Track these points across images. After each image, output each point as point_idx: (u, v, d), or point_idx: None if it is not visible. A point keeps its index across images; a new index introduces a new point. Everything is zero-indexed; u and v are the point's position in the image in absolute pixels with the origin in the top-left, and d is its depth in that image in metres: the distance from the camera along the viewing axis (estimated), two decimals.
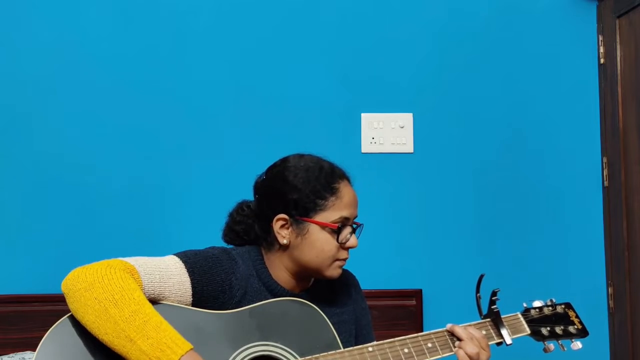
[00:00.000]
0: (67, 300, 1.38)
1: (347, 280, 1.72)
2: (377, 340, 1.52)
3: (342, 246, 1.57)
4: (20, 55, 2.57)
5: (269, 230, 1.59)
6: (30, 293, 2.46)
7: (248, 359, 1.46)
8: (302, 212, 1.55)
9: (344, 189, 1.58)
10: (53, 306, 2.23)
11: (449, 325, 1.57)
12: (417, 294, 2.55)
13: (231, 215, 1.70)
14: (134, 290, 1.36)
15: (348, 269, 1.67)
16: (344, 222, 1.56)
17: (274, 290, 1.58)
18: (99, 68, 2.59)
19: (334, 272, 1.58)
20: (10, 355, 2.29)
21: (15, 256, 2.51)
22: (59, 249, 2.51)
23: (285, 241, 1.57)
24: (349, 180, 1.62)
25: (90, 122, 2.57)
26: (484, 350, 1.54)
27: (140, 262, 1.44)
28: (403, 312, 2.53)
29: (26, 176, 2.54)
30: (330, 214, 1.55)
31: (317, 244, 1.55)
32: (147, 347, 1.30)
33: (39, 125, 2.56)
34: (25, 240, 2.52)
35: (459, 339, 1.55)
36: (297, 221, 1.55)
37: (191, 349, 1.33)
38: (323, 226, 1.55)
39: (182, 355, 1.31)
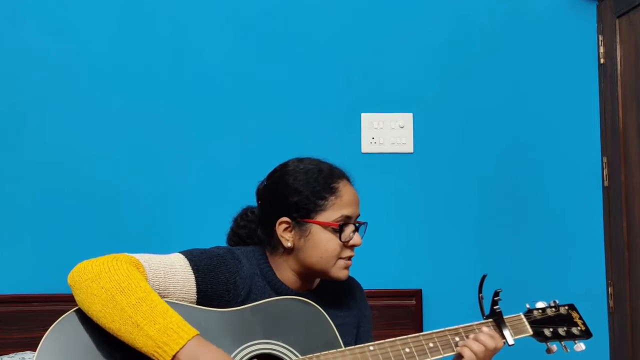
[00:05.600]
0: (74, 293, 1.40)
1: (353, 286, 1.74)
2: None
3: (346, 245, 1.57)
4: (23, 57, 2.56)
5: (272, 234, 1.60)
6: (30, 293, 2.45)
7: (249, 357, 1.46)
8: (303, 214, 1.56)
9: (344, 188, 1.59)
10: (53, 306, 2.22)
11: (461, 343, 1.56)
12: (417, 294, 2.55)
13: (235, 220, 1.71)
14: (140, 279, 1.38)
15: (349, 268, 1.67)
16: (346, 220, 1.57)
17: (278, 289, 1.59)
18: (103, 71, 2.58)
19: (340, 272, 1.59)
20: (10, 355, 2.28)
21: (15, 256, 2.50)
22: (59, 249, 2.50)
23: (289, 244, 1.57)
24: (348, 180, 1.63)
25: (92, 123, 2.56)
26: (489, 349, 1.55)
27: (145, 258, 1.46)
28: (403, 312, 2.53)
29: (27, 177, 2.53)
30: (331, 214, 1.56)
31: (320, 244, 1.55)
32: (154, 333, 1.32)
33: (41, 126, 2.55)
34: (25, 240, 2.52)
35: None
36: (299, 223, 1.56)
37: (197, 334, 1.34)
38: (325, 226, 1.55)
39: (189, 340, 1.32)
